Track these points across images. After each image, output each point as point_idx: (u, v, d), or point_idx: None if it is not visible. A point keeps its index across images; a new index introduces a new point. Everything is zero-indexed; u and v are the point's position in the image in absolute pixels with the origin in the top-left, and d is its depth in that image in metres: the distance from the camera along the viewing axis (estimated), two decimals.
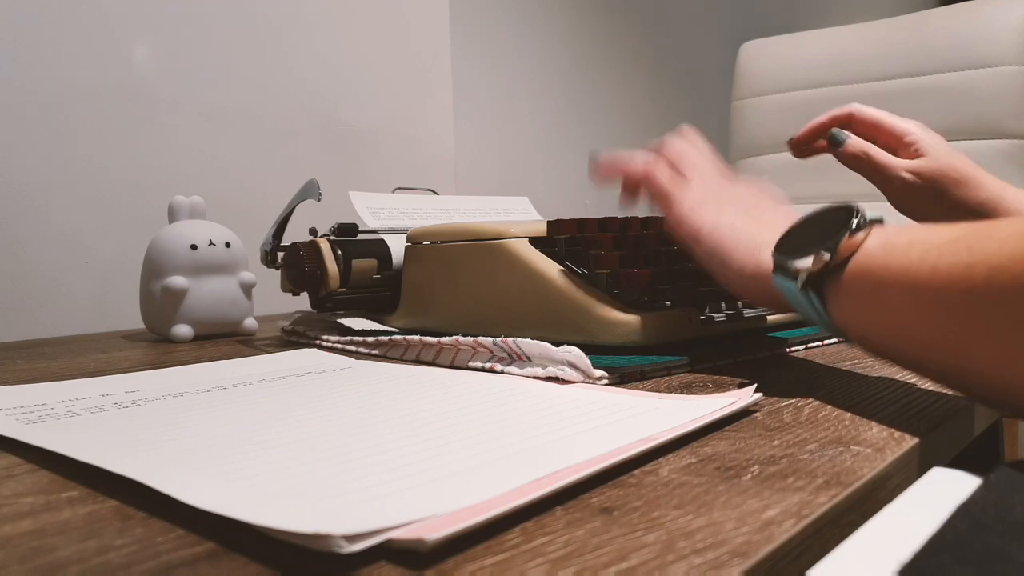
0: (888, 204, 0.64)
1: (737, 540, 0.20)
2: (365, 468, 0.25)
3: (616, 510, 0.22)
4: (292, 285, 0.62)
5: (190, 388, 0.41)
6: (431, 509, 0.21)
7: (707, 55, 1.98)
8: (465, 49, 1.34)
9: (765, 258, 0.38)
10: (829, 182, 1.24)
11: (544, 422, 0.31)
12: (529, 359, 0.43)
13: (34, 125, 0.81)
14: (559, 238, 0.52)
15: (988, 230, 0.29)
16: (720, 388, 0.38)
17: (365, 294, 0.63)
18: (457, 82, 1.30)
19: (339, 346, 0.57)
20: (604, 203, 1.54)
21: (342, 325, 0.60)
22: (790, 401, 0.35)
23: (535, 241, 0.52)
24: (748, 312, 0.54)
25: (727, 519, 0.21)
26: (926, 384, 0.38)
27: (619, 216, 0.55)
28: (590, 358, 0.40)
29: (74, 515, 0.23)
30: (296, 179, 1.06)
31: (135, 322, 0.73)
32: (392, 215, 0.70)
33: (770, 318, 0.53)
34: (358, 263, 0.62)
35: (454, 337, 0.47)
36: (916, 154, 0.61)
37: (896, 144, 0.63)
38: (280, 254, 0.64)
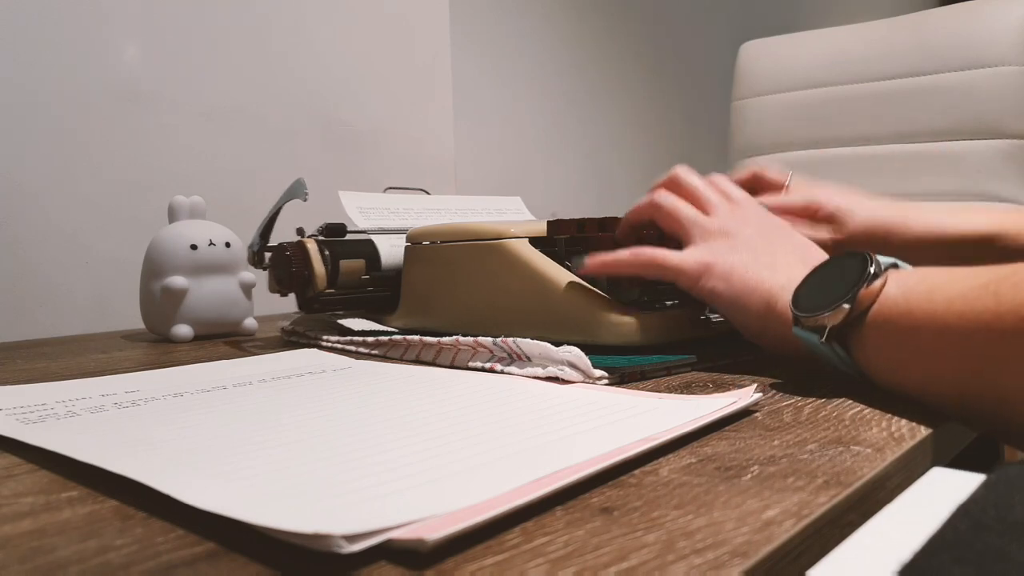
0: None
1: (737, 540, 0.20)
2: (365, 468, 0.25)
3: (616, 510, 0.22)
4: (279, 286, 0.61)
5: (190, 388, 0.41)
6: (431, 509, 0.21)
7: (707, 55, 1.98)
8: (465, 49, 1.34)
9: (781, 308, 0.39)
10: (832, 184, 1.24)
11: (544, 422, 0.31)
12: (529, 359, 0.43)
13: (34, 125, 0.81)
14: (559, 238, 0.52)
15: (1012, 276, 0.30)
16: (720, 388, 0.38)
17: (353, 295, 0.63)
18: (457, 82, 1.30)
19: (339, 346, 0.57)
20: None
21: (342, 325, 0.60)
22: (790, 401, 0.35)
23: (535, 241, 0.52)
24: None
25: (727, 519, 0.21)
26: None
27: (619, 216, 0.55)
28: (590, 358, 0.40)
29: (74, 515, 0.23)
30: (295, 179, 1.06)
31: (135, 322, 0.73)
32: (382, 215, 0.70)
33: None
34: (346, 263, 0.61)
35: (454, 337, 0.47)
36: (833, 221, 0.57)
37: (811, 218, 0.58)
38: (268, 255, 0.63)
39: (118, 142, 0.87)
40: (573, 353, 0.40)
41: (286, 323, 0.66)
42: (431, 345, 0.49)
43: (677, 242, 0.47)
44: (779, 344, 0.41)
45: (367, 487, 0.23)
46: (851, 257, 0.37)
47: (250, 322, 0.69)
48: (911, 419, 0.32)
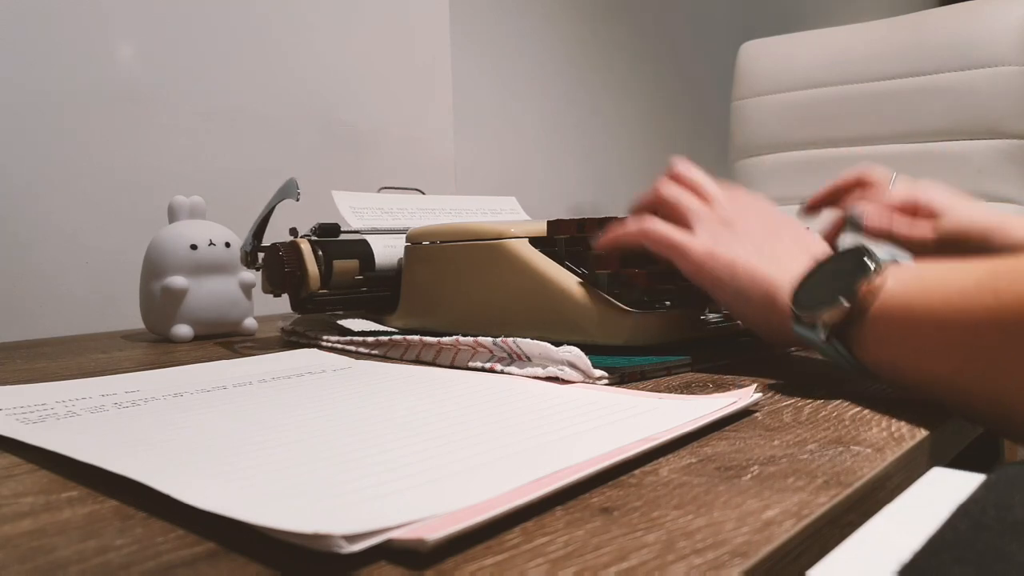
0: None
1: (737, 540, 0.20)
2: (365, 468, 0.25)
3: (616, 510, 0.22)
4: (272, 286, 0.61)
5: (190, 388, 0.41)
6: (431, 509, 0.21)
7: (707, 55, 1.98)
8: (465, 49, 1.34)
9: (782, 303, 0.39)
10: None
11: (544, 422, 0.31)
12: (529, 359, 0.43)
13: (34, 125, 0.81)
14: (559, 238, 0.52)
15: (1012, 272, 0.29)
16: (720, 388, 0.38)
17: (347, 295, 0.62)
18: (457, 82, 1.30)
19: (339, 346, 0.57)
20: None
21: (342, 325, 0.60)
22: (790, 401, 0.35)
23: (535, 241, 0.52)
24: None
25: (727, 519, 0.21)
26: None
27: (619, 216, 0.55)
28: (590, 358, 0.40)
29: (74, 515, 0.23)
30: (295, 179, 1.06)
31: (135, 322, 0.73)
32: (375, 215, 0.70)
33: None
34: (339, 264, 0.61)
35: (454, 337, 0.47)
36: (932, 218, 0.58)
37: (912, 208, 0.60)
38: (260, 255, 0.63)
39: (118, 142, 0.87)
40: (573, 353, 0.40)
41: (286, 323, 0.66)
42: (431, 345, 0.49)
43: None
44: (781, 337, 0.41)
45: (367, 487, 0.23)
46: (851, 252, 0.36)
47: (250, 322, 0.69)
48: (911, 419, 0.32)
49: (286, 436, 0.30)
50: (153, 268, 0.66)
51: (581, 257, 0.50)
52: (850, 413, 0.33)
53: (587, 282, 0.48)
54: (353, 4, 1.12)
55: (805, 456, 0.27)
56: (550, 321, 0.48)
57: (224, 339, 0.67)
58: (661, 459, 0.27)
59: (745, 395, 0.34)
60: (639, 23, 1.81)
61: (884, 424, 0.31)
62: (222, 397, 0.39)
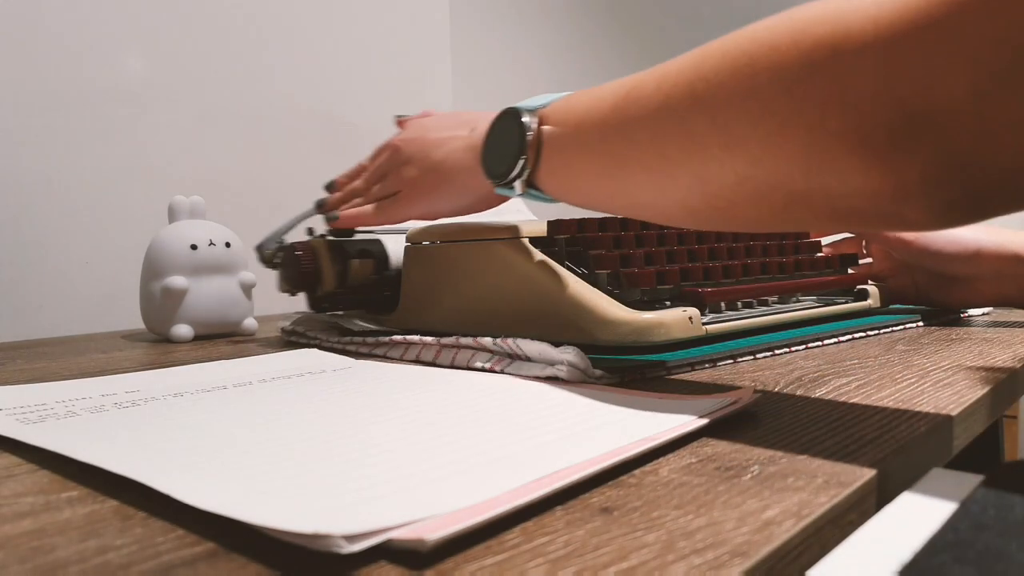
0: None
1: (737, 540, 0.20)
2: (365, 468, 0.25)
3: (616, 510, 0.22)
4: (289, 285, 0.62)
5: (190, 388, 0.41)
6: (431, 509, 0.21)
7: None
8: (465, 49, 1.34)
9: (479, 178, 0.47)
10: None
11: (544, 422, 0.31)
12: (529, 359, 0.43)
13: (34, 125, 0.81)
14: (559, 238, 0.52)
15: (637, 88, 0.35)
16: (720, 388, 0.38)
17: (362, 294, 0.63)
18: (457, 82, 1.30)
19: (339, 346, 0.57)
20: None
21: (342, 325, 0.60)
22: (790, 401, 0.35)
23: (535, 241, 0.52)
24: (746, 312, 0.54)
25: (727, 519, 0.21)
26: (926, 385, 0.38)
27: (619, 217, 0.55)
28: (590, 358, 0.40)
29: (74, 515, 0.23)
30: (295, 179, 1.07)
31: (135, 322, 0.73)
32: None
33: (770, 319, 0.53)
34: (355, 263, 0.61)
35: (454, 337, 0.47)
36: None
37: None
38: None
39: (118, 142, 0.87)
40: (573, 353, 0.40)
41: (286, 323, 0.66)
42: (431, 345, 0.49)
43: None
44: (486, 202, 0.53)
45: (367, 487, 0.23)
46: (506, 114, 0.44)
47: (250, 322, 0.69)
48: (910, 419, 0.32)
49: (286, 436, 0.30)
50: (153, 268, 0.66)
51: (581, 257, 0.50)
52: (850, 413, 0.33)
53: (587, 282, 0.48)
54: (353, 4, 1.12)
55: (805, 456, 0.27)
56: (550, 321, 0.48)
57: (224, 339, 0.67)
58: (661, 459, 0.27)
59: (745, 395, 0.34)
60: (638, 23, 1.81)
61: (884, 424, 0.31)
62: (222, 397, 0.39)
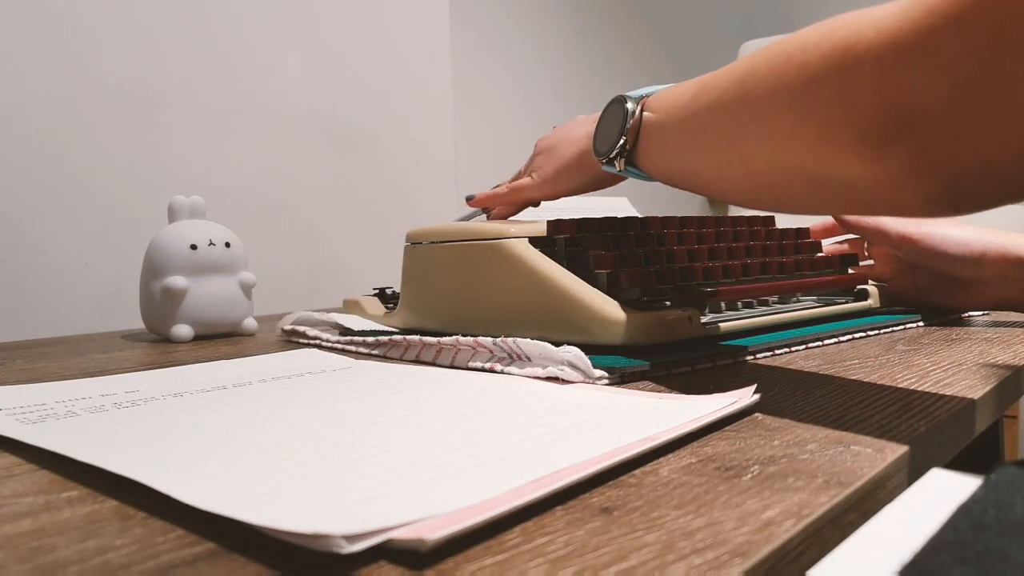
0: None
1: (737, 540, 0.20)
2: (365, 468, 0.25)
3: (616, 510, 0.22)
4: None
5: (190, 388, 0.41)
6: (431, 509, 0.21)
7: (707, 55, 1.98)
8: (465, 49, 1.34)
9: (592, 159, 0.52)
10: None
11: (544, 422, 0.31)
12: (529, 359, 0.43)
13: (34, 125, 0.81)
14: (559, 238, 0.52)
15: (754, 69, 0.36)
16: (720, 388, 0.38)
17: None
18: (457, 82, 1.30)
19: (339, 346, 0.57)
20: None
21: (342, 325, 0.60)
22: (790, 401, 0.35)
23: (535, 241, 0.52)
24: (746, 312, 0.54)
25: (727, 519, 0.21)
26: (926, 385, 0.38)
27: (618, 217, 0.55)
28: (590, 358, 0.40)
29: (74, 515, 0.23)
30: (295, 179, 1.07)
31: (135, 322, 0.73)
32: (521, 214, 0.70)
33: (770, 319, 0.53)
34: None
35: (454, 337, 0.47)
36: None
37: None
38: None
39: (118, 142, 0.87)
40: (573, 353, 0.40)
41: (286, 323, 0.66)
42: (431, 345, 0.49)
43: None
44: (599, 181, 0.57)
45: (367, 487, 0.23)
46: (615, 103, 0.48)
47: (250, 322, 0.69)
48: (910, 419, 0.32)
49: (286, 436, 0.30)
50: (153, 268, 0.66)
51: (581, 257, 0.50)
52: (850, 413, 0.33)
53: (587, 282, 0.48)
54: (353, 4, 1.12)
55: (805, 456, 0.27)
56: (550, 321, 0.48)
57: (224, 339, 0.67)
58: (661, 459, 0.27)
59: (745, 395, 0.34)
60: (639, 23, 1.81)
61: (884, 424, 0.31)
62: (222, 397, 0.39)
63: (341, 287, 1.05)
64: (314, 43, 1.08)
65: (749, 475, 0.25)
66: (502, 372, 0.43)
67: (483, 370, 0.44)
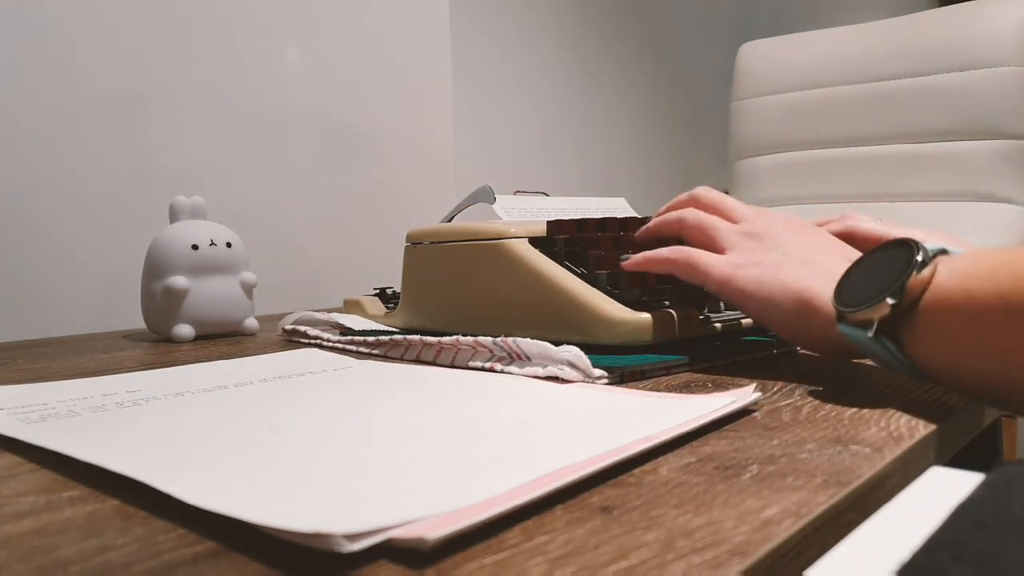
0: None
1: (736, 539, 0.20)
2: (365, 468, 0.25)
3: (616, 509, 0.22)
4: None
5: (191, 388, 0.41)
6: (431, 508, 0.21)
7: (707, 55, 1.98)
8: (465, 49, 1.34)
9: (820, 305, 0.37)
10: (831, 184, 1.24)
11: (544, 422, 0.31)
12: (529, 359, 0.43)
13: (34, 125, 0.81)
14: (559, 238, 0.52)
15: None
16: (720, 388, 0.38)
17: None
18: (457, 82, 1.30)
19: (339, 346, 0.57)
20: None
21: (342, 325, 0.60)
22: (789, 401, 0.35)
23: (535, 241, 0.52)
24: None
25: (726, 518, 0.21)
26: (926, 384, 0.38)
27: (618, 217, 0.55)
28: (590, 358, 0.40)
29: (75, 514, 0.23)
30: (296, 179, 1.07)
31: (136, 322, 0.73)
32: (520, 213, 0.70)
33: None
34: None
35: (454, 337, 0.47)
36: (868, 244, 0.52)
37: (847, 238, 0.54)
38: None
39: (118, 142, 0.87)
40: (573, 353, 0.40)
41: (286, 323, 0.66)
42: (431, 345, 0.49)
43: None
44: (819, 342, 0.39)
45: (367, 487, 0.23)
46: (896, 246, 0.34)
47: (251, 322, 0.70)
48: (910, 419, 0.32)
49: (287, 436, 0.30)
50: (154, 268, 0.66)
51: (581, 257, 0.50)
52: (849, 412, 0.33)
53: (587, 282, 0.48)
54: (353, 4, 1.12)
55: (804, 455, 0.27)
56: (550, 321, 0.49)
57: (225, 339, 0.67)
58: (661, 458, 0.27)
59: (744, 395, 0.34)
60: (639, 23, 1.81)
61: (883, 423, 0.31)
62: (223, 397, 0.39)
63: (341, 287, 1.05)
64: (314, 43, 1.08)
65: (748, 474, 0.25)
66: (502, 372, 0.43)
67: (483, 370, 0.44)
